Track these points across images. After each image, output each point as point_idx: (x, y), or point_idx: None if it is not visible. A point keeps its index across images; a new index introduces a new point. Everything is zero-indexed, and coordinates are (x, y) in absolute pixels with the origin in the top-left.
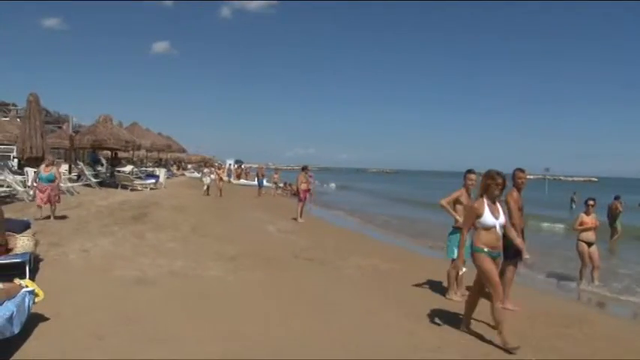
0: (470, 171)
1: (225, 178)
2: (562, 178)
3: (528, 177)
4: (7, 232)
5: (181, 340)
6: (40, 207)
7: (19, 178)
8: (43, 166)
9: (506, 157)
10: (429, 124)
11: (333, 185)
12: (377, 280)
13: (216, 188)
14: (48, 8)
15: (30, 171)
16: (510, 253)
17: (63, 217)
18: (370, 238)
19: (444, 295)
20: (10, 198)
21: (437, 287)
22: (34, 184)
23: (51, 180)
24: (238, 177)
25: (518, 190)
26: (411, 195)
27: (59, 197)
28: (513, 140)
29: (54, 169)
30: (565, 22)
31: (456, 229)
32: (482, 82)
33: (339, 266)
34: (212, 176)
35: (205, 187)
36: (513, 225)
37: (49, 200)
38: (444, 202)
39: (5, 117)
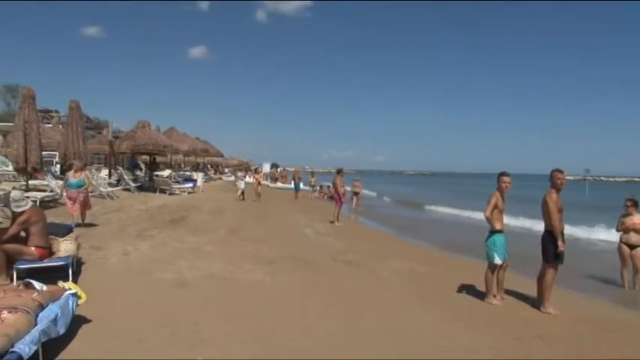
0: (503, 174)
1: (265, 182)
2: (603, 178)
3: (568, 178)
4: (50, 236)
5: (220, 343)
6: (71, 215)
7: (61, 183)
8: (71, 172)
9: (542, 158)
10: (466, 126)
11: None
12: (414, 282)
13: (255, 193)
14: (88, 17)
15: (89, 178)
16: (550, 256)
17: (90, 225)
18: (407, 241)
19: (483, 299)
20: (52, 202)
21: (475, 291)
22: (64, 192)
23: (80, 186)
24: (276, 180)
25: (557, 190)
26: (448, 200)
27: (89, 203)
28: (549, 141)
29: (83, 175)
30: (604, 20)
31: (493, 233)
32: (517, 82)
33: (376, 269)
34: (248, 179)
35: (240, 192)
36: (553, 226)
37: (80, 207)
38: (488, 214)
39: (48, 123)
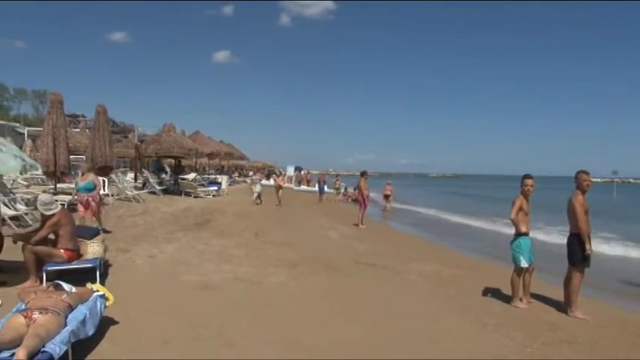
0: (527, 176)
1: (287, 185)
2: (631, 180)
3: (595, 180)
4: (78, 239)
5: (245, 345)
6: (82, 218)
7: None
8: (79, 176)
9: (568, 160)
10: (490, 128)
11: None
12: (439, 286)
13: (276, 197)
14: (115, 23)
15: (99, 179)
16: (577, 259)
17: (106, 232)
18: (432, 244)
19: (509, 303)
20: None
21: (501, 294)
22: (75, 196)
23: (89, 189)
24: (301, 182)
25: (583, 192)
26: (474, 205)
27: (101, 207)
28: (575, 144)
29: (91, 177)
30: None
31: (519, 236)
32: (541, 84)
33: (401, 272)
34: (264, 182)
35: (255, 195)
36: (579, 229)
37: (92, 211)
38: (514, 216)
39: (76, 128)
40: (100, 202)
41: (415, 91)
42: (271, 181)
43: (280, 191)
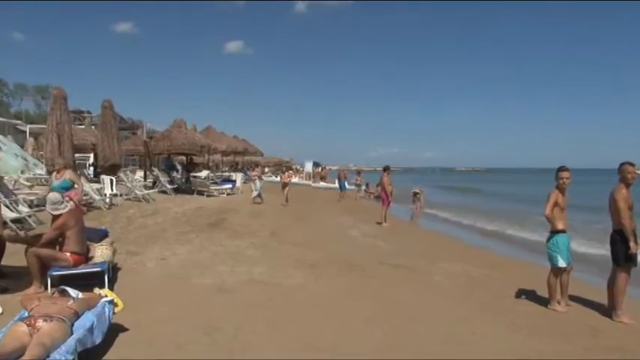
0: (562, 168)
1: (306, 181)
2: None
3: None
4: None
5: (262, 350)
6: None
7: (95, 186)
8: (54, 174)
9: (605, 151)
10: (521, 119)
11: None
12: (469, 287)
13: (282, 195)
14: (120, 13)
15: (106, 179)
16: (621, 258)
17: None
18: (460, 242)
19: (545, 306)
20: (86, 206)
21: (536, 296)
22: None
23: (65, 187)
24: (320, 179)
25: (627, 186)
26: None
27: (80, 208)
28: (616, 133)
29: (68, 174)
30: None
31: (555, 234)
32: (576, 73)
33: (428, 272)
34: (268, 178)
35: (255, 194)
36: (623, 225)
37: None
38: (549, 212)
39: (81, 124)
40: (80, 202)
41: (441, 80)
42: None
43: (287, 188)
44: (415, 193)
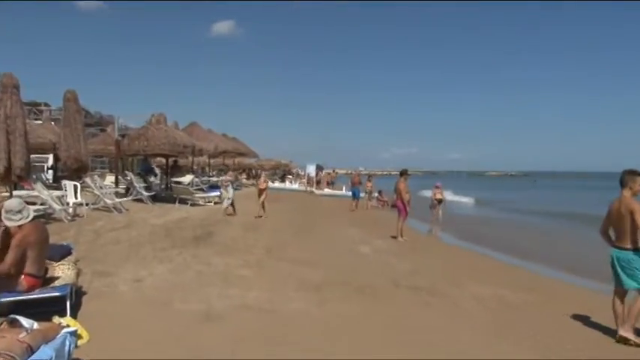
0: (635, 172)
1: (296, 186)
2: None
3: None
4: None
5: None
6: None
7: (55, 193)
8: None
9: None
10: (568, 115)
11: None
12: (505, 315)
13: (259, 205)
14: None
15: (69, 185)
16: None
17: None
18: (491, 259)
19: (613, 336)
20: (45, 218)
21: (594, 326)
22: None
23: None
24: (328, 184)
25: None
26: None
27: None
28: None
29: None
30: None
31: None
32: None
33: (454, 297)
34: (280, 184)
35: (227, 203)
36: None
37: None
38: None
39: (37, 119)
40: None
41: (468, 68)
42: (287, 184)
43: (263, 196)
44: (438, 200)
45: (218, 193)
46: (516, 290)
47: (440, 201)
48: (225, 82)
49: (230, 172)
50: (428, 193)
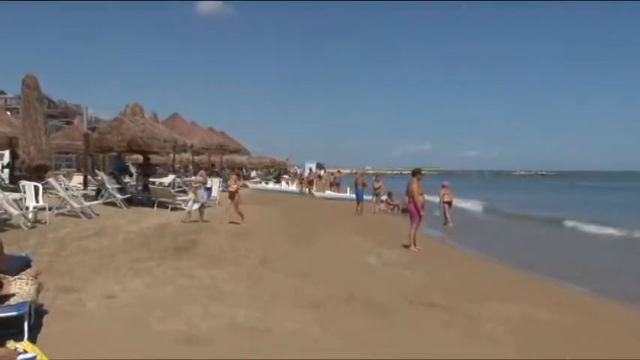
0: None
1: (293, 187)
2: None
3: None
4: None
5: None
6: None
7: (12, 196)
8: None
9: None
10: (604, 107)
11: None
12: (534, 338)
13: (231, 209)
14: None
15: (29, 186)
16: None
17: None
18: (515, 271)
19: None
20: None
21: None
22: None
23: None
24: (331, 186)
25: None
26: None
27: None
28: None
29: None
30: None
31: None
32: None
33: (474, 316)
34: (274, 185)
35: (196, 207)
36: None
37: None
38: None
39: None
40: None
41: (488, 55)
42: (282, 185)
43: (235, 199)
44: (448, 202)
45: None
46: (546, 308)
47: (450, 203)
48: (213, 69)
49: (201, 172)
50: (431, 197)
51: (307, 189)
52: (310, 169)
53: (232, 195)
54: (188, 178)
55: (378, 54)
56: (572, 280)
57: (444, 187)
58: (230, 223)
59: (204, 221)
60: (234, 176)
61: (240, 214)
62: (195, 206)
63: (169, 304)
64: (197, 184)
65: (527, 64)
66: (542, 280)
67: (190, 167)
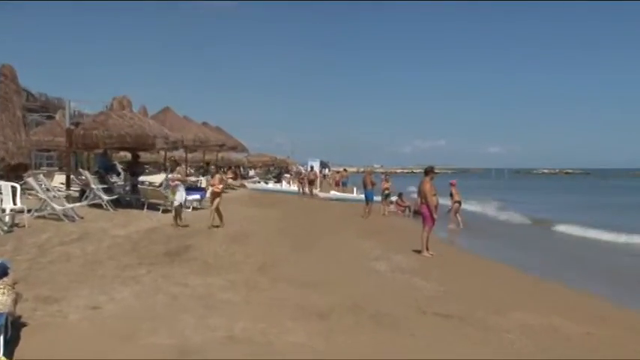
0: None
1: (294, 187)
2: None
3: None
4: None
5: None
6: None
7: None
8: None
9: None
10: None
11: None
12: (562, 353)
13: (215, 213)
14: None
15: (6, 186)
16: None
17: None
18: (540, 278)
19: None
20: None
21: None
22: None
23: None
24: (337, 185)
25: None
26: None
27: None
28: None
29: None
30: None
31: None
32: None
33: (494, 328)
34: (274, 185)
35: (176, 208)
36: None
37: None
38: None
39: None
40: None
41: (509, 40)
42: (284, 185)
43: (217, 201)
44: (458, 202)
45: (198, 196)
46: (576, 320)
47: (459, 203)
48: (207, 60)
49: (179, 169)
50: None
51: (308, 189)
52: (311, 167)
53: (216, 196)
54: (169, 175)
55: (385, 42)
56: (603, 290)
57: (452, 185)
58: (213, 227)
59: (184, 226)
60: (219, 175)
61: (219, 216)
62: (174, 209)
63: (160, 315)
64: (175, 183)
65: (555, 51)
66: (569, 289)
67: (183, 165)
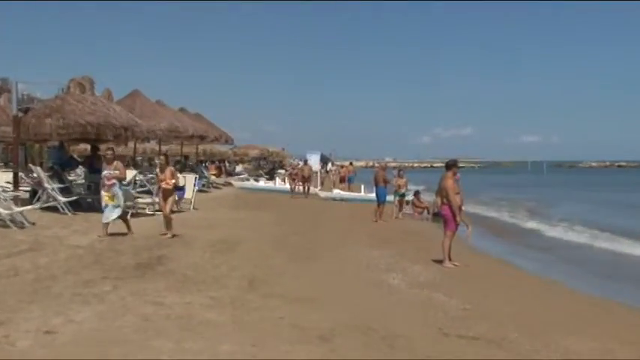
0: None
1: (257, 183)
2: None
3: None
4: None
5: None
6: None
7: None
8: None
9: None
10: None
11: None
12: None
13: (164, 218)
14: None
15: None
16: None
17: None
18: (587, 295)
19: None
20: None
21: None
22: None
23: None
24: (341, 182)
25: None
26: None
27: None
28: None
29: None
30: None
31: None
32: None
33: (535, 353)
34: (265, 184)
35: (114, 216)
36: None
37: None
38: None
39: None
40: None
41: (545, 15)
42: (277, 183)
43: (170, 201)
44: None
45: (175, 196)
46: (632, 344)
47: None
48: (186, 33)
49: (117, 163)
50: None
51: (303, 187)
52: (305, 161)
53: (167, 194)
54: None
55: (402, 18)
56: None
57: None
58: (162, 235)
59: (133, 233)
60: (171, 168)
61: (169, 221)
62: (115, 214)
63: (130, 340)
64: (111, 181)
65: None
66: (624, 308)
67: (156, 160)
